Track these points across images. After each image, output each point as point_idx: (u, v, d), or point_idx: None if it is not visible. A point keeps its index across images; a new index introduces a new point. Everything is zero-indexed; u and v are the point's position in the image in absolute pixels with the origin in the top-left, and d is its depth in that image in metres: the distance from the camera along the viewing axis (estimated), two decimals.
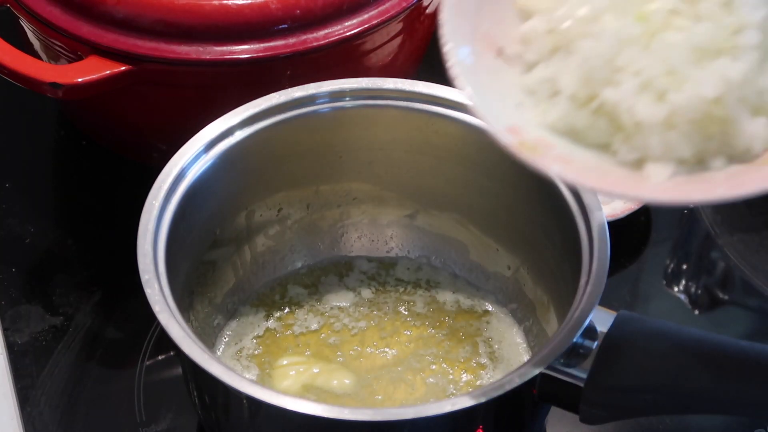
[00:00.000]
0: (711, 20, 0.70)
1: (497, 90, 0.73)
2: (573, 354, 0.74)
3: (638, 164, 0.70)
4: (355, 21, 0.93)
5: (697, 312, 0.97)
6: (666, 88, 0.69)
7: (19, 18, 0.97)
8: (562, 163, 0.69)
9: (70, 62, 0.93)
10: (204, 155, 0.83)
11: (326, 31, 0.92)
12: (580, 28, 0.72)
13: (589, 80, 0.71)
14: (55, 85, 0.90)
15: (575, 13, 0.72)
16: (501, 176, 0.86)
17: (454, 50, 0.72)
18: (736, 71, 0.69)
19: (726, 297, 0.99)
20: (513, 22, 0.76)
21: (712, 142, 0.70)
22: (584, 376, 0.74)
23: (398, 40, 0.97)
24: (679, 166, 0.70)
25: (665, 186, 0.69)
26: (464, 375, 0.86)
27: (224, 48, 0.91)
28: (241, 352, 0.87)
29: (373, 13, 0.93)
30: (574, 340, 0.73)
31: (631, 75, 0.70)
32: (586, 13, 0.72)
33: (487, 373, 0.86)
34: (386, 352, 0.87)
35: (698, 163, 0.70)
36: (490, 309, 0.90)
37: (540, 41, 0.74)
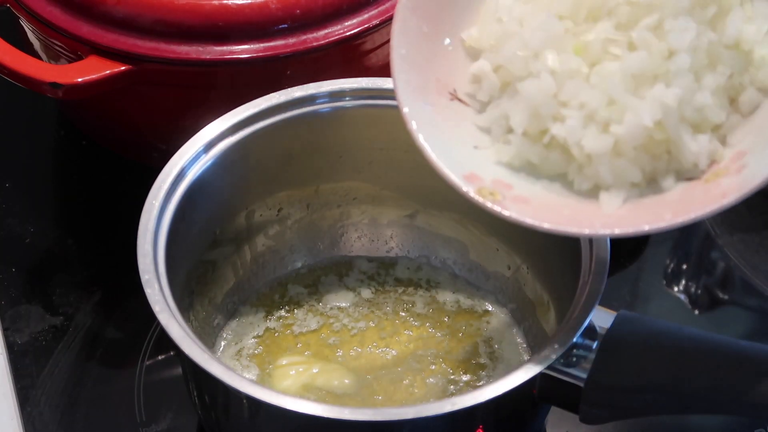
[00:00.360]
0: (644, 47, 0.72)
1: (455, 134, 0.76)
2: (573, 354, 0.74)
3: (594, 191, 0.73)
4: (355, 21, 0.93)
5: (697, 312, 0.97)
6: (608, 119, 0.72)
7: (19, 18, 0.97)
8: (520, 204, 0.72)
9: (70, 62, 0.93)
10: (204, 155, 0.83)
11: (326, 31, 0.92)
12: (523, 67, 0.74)
13: (537, 117, 0.74)
14: (55, 85, 0.90)
15: (517, 52, 0.74)
16: None
17: (410, 107, 0.75)
18: (671, 97, 0.71)
19: (726, 297, 0.99)
20: (464, 64, 0.78)
21: (660, 163, 0.72)
22: (584, 376, 0.74)
23: None
24: (631, 190, 0.72)
25: (617, 216, 0.71)
26: (464, 375, 0.86)
27: (224, 48, 0.91)
28: (241, 352, 0.87)
29: (373, 13, 0.93)
30: (574, 340, 0.73)
31: (576, 108, 0.72)
32: (527, 52, 0.74)
33: (487, 373, 0.86)
34: (386, 352, 0.87)
35: (650, 183, 0.73)
36: (490, 309, 0.90)
37: (489, 80, 0.76)
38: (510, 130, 0.75)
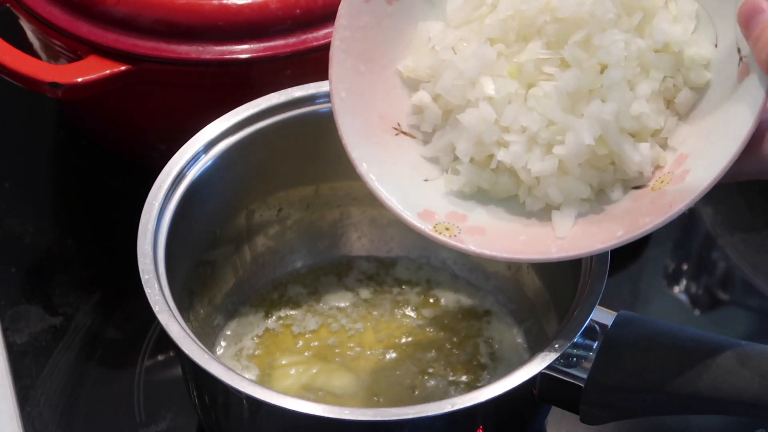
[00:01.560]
0: (576, 65, 0.72)
1: (405, 169, 0.76)
2: (573, 354, 0.74)
3: (547, 211, 0.74)
4: None
5: (697, 312, 0.97)
6: (551, 140, 0.72)
7: (18, 18, 0.97)
8: (476, 235, 0.73)
9: (69, 62, 0.92)
10: (204, 155, 0.83)
11: (326, 30, 0.92)
12: (461, 96, 0.74)
13: (482, 144, 0.74)
14: (55, 85, 0.90)
15: (454, 81, 0.74)
16: None
17: (358, 150, 0.75)
18: (608, 112, 0.71)
19: (726, 297, 0.99)
20: (404, 97, 0.78)
21: (606, 175, 0.73)
22: (584, 376, 0.74)
23: None
24: (582, 206, 0.73)
25: (571, 238, 0.72)
26: (464, 375, 0.86)
27: (224, 48, 0.91)
28: (241, 352, 0.87)
29: None
30: (574, 340, 0.73)
31: (518, 133, 0.73)
32: (463, 81, 0.74)
33: (487, 373, 0.86)
34: (386, 353, 0.87)
35: (600, 195, 0.74)
36: (490, 309, 0.90)
37: (430, 110, 0.77)
38: (457, 159, 0.76)
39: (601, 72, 0.72)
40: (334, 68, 0.77)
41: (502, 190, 0.75)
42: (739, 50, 0.71)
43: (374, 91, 0.78)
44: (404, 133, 0.78)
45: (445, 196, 0.76)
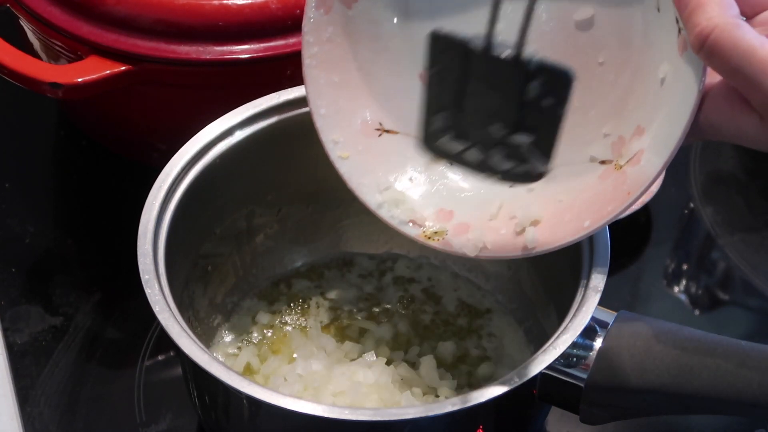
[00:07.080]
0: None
1: (393, 172, 0.79)
2: (573, 354, 0.74)
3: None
4: None
5: (697, 312, 0.97)
6: None
7: (19, 18, 0.97)
8: (462, 235, 0.76)
9: (70, 62, 0.93)
10: (204, 155, 0.83)
11: None
12: None
13: None
14: (55, 85, 0.90)
15: None
16: None
17: (347, 168, 0.79)
18: None
19: (726, 297, 0.99)
20: (381, 93, 0.80)
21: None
22: (584, 376, 0.74)
23: None
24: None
25: (545, 227, 0.75)
26: (465, 374, 0.85)
27: (224, 48, 0.91)
28: (240, 348, 0.87)
29: None
30: (574, 340, 0.73)
31: None
32: None
33: (489, 371, 0.86)
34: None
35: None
36: (490, 308, 0.90)
37: None
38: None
39: None
40: (309, 87, 0.78)
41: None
42: (677, 20, 0.69)
43: (352, 98, 0.79)
44: (387, 131, 0.79)
45: (430, 193, 0.78)
